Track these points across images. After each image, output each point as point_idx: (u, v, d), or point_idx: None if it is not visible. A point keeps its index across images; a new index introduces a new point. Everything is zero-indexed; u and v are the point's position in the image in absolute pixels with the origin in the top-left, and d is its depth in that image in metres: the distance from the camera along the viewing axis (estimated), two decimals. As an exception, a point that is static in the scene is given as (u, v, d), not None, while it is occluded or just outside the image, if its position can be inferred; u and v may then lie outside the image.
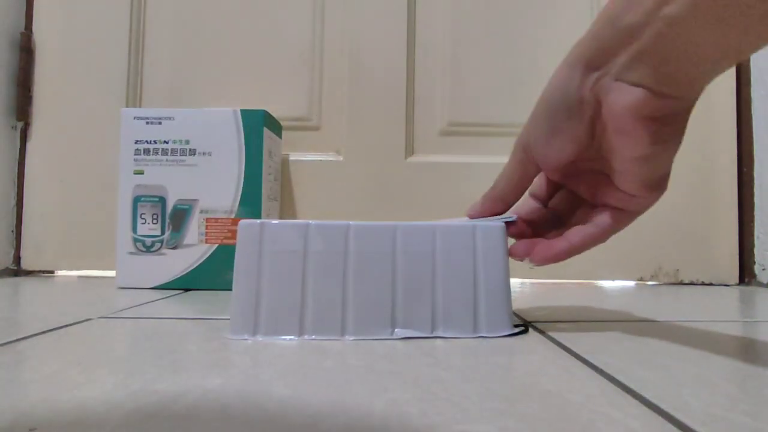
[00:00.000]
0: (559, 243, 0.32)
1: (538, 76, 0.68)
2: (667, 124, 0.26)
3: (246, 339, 0.30)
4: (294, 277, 0.31)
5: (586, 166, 0.31)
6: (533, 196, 0.36)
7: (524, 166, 0.32)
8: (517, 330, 0.33)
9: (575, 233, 0.32)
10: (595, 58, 0.26)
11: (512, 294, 0.54)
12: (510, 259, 0.33)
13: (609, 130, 0.27)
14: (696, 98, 0.26)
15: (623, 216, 0.31)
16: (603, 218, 0.31)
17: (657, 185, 0.29)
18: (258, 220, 0.32)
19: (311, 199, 0.67)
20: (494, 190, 0.34)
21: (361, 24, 0.69)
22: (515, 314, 0.40)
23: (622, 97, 0.26)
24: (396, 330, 0.31)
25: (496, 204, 0.34)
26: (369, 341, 0.30)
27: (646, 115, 0.25)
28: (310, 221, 0.32)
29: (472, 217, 0.35)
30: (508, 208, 0.34)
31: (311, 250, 0.31)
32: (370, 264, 0.31)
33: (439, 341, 0.30)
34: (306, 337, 0.31)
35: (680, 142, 0.28)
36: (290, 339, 0.30)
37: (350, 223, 0.32)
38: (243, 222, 0.32)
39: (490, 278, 0.32)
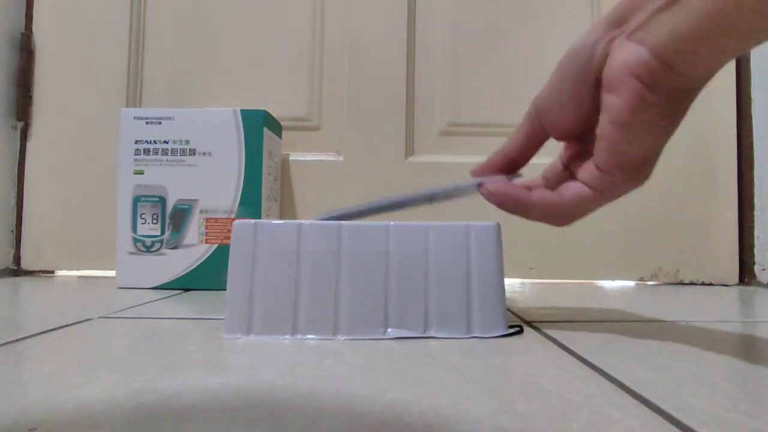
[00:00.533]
0: (521, 191, 0.31)
1: (538, 77, 0.68)
2: (656, 93, 0.24)
3: (239, 338, 0.30)
4: (287, 277, 0.31)
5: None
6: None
7: (531, 122, 0.31)
8: (511, 330, 0.32)
9: (537, 192, 0.30)
10: (619, 15, 0.25)
11: (512, 294, 0.54)
12: (505, 257, 0.33)
13: (602, 90, 0.26)
14: (699, 82, 0.24)
15: (589, 196, 0.28)
16: (568, 191, 0.29)
17: (632, 168, 0.27)
18: (252, 220, 0.32)
19: (311, 199, 0.67)
20: (501, 146, 0.33)
21: (361, 24, 0.69)
22: (515, 314, 0.40)
23: (622, 53, 0.25)
24: (389, 330, 0.31)
25: (498, 157, 0.32)
26: (362, 341, 0.30)
27: (638, 75, 0.24)
28: (303, 221, 0.32)
29: (473, 173, 0.33)
30: (513, 167, 0.33)
31: (304, 250, 0.31)
32: (363, 263, 0.32)
33: (435, 341, 0.30)
34: (299, 336, 0.31)
35: (671, 130, 0.26)
36: (283, 338, 0.30)
37: (343, 222, 0.32)
38: (237, 222, 0.32)
39: (483, 278, 0.32)
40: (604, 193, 0.28)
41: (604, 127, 0.26)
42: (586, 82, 0.27)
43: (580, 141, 0.30)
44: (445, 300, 0.31)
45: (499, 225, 0.33)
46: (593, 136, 0.28)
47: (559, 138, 0.31)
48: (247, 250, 0.32)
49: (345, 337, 0.31)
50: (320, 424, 0.17)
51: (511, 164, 0.32)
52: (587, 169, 0.28)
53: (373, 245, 0.32)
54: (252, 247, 0.32)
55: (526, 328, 0.34)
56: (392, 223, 0.32)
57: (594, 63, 0.26)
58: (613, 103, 0.25)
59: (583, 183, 0.28)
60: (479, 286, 0.32)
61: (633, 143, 0.26)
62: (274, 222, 0.32)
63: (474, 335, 0.31)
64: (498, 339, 0.31)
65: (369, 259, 0.32)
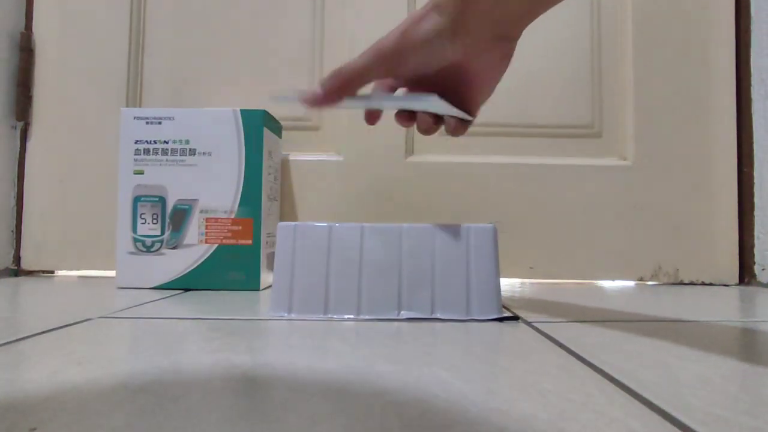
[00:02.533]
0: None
1: (538, 77, 0.69)
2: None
3: (283, 315, 0.38)
4: (320, 268, 0.38)
5: None
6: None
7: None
8: (505, 315, 0.38)
9: None
10: None
11: (512, 293, 0.54)
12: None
13: None
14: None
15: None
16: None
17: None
18: (293, 223, 0.39)
19: (311, 199, 0.67)
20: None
21: (361, 23, 0.69)
22: (515, 313, 0.40)
23: None
24: (402, 312, 0.37)
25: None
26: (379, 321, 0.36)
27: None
28: (334, 224, 0.39)
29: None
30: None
31: (334, 247, 0.38)
32: (380, 258, 0.38)
33: (441, 343, 0.30)
34: (330, 315, 0.37)
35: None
36: (317, 317, 0.37)
37: (365, 225, 0.38)
38: (281, 224, 0.39)
39: (480, 271, 0.38)
40: None
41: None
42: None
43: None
44: (448, 289, 0.37)
45: (495, 227, 0.39)
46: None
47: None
48: (289, 247, 0.39)
49: (366, 317, 0.37)
50: (319, 426, 0.17)
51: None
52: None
53: (389, 243, 0.38)
54: (292, 244, 0.39)
55: (527, 328, 0.34)
56: (405, 226, 0.38)
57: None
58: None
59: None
60: (477, 278, 0.38)
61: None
62: (309, 224, 0.39)
63: (472, 317, 0.37)
64: (498, 338, 0.31)
65: (385, 255, 0.38)
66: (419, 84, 0.37)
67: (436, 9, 0.33)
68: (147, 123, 0.55)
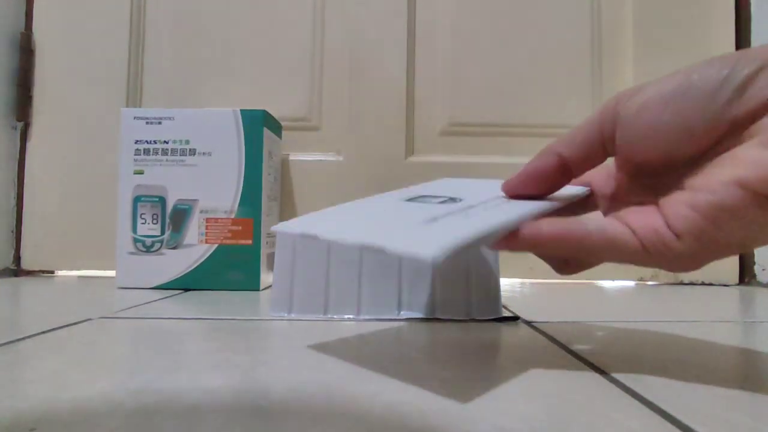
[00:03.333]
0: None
1: (538, 77, 0.69)
2: None
3: (283, 315, 0.38)
4: (320, 269, 0.38)
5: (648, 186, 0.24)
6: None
7: (601, 127, 0.23)
8: (505, 315, 0.38)
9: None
10: None
11: (512, 294, 0.54)
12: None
13: (745, 138, 0.20)
14: None
15: (629, 248, 0.21)
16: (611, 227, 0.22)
17: (707, 252, 0.20)
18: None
19: (311, 199, 0.67)
20: (551, 146, 0.25)
21: (362, 24, 0.69)
22: (515, 314, 0.40)
23: None
24: (402, 312, 0.37)
25: (542, 162, 0.25)
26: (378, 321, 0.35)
27: None
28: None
29: (507, 192, 0.26)
30: (563, 176, 0.25)
31: (333, 247, 0.38)
32: (380, 258, 0.37)
33: (441, 343, 0.30)
34: (330, 315, 0.37)
35: None
36: (317, 317, 0.37)
37: None
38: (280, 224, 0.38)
39: (481, 273, 0.38)
40: (651, 255, 0.21)
41: (718, 186, 0.19)
42: (712, 123, 0.20)
43: (648, 176, 0.24)
44: (448, 289, 0.37)
45: None
46: (673, 172, 0.22)
47: (622, 167, 0.25)
48: (289, 247, 0.38)
49: (366, 317, 0.37)
50: (319, 427, 0.17)
51: (563, 170, 0.25)
52: (646, 217, 0.21)
53: None
54: (292, 244, 0.38)
55: (527, 328, 0.34)
56: None
57: (734, 104, 0.20)
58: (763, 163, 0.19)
59: (633, 231, 0.21)
60: (477, 278, 0.38)
61: (750, 229, 0.19)
62: None
63: (472, 318, 0.37)
64: (498, 338, 0.31)
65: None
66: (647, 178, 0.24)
67: None
68: (147, 123, 0.55)
